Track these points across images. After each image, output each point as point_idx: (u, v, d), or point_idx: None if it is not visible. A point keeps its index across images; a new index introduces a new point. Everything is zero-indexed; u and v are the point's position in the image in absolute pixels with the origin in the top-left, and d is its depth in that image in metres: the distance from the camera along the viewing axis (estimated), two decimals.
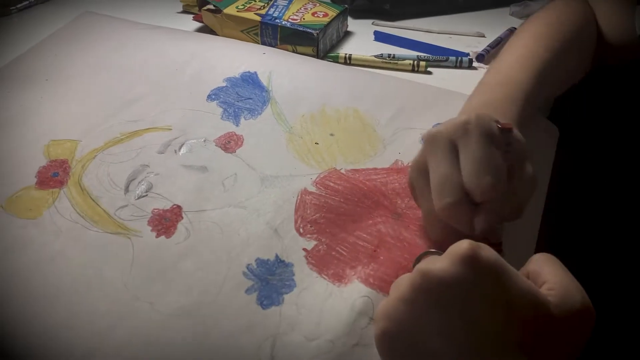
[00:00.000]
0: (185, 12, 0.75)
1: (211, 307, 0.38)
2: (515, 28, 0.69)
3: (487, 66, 0.64)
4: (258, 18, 0.64)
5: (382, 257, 0.41)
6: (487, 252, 0.30)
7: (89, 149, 0.50)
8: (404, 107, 0.55)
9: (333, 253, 0.42)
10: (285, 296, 0.39)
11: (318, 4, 0.68)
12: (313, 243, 0.42)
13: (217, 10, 0.66)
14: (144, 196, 0.46)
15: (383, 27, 0.73)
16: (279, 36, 0.64)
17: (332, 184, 0.47)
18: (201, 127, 0.53)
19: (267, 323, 0.37)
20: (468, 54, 0.66)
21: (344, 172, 0.48)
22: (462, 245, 0.30)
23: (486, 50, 0.66)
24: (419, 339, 0.31)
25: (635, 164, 0.67)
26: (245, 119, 0.54)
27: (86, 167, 0.49)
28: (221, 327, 0.37)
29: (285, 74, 0.60)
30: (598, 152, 0.72)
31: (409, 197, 0.44)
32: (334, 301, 0.38)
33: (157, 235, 0.43)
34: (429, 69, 0.63)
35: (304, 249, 0.42)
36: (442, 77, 0.62)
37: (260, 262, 0.41)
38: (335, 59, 0.65)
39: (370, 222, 0.44)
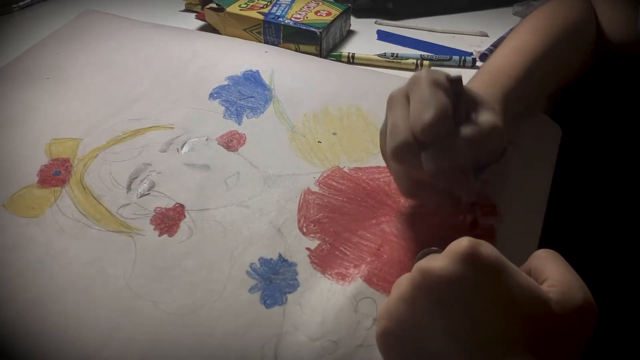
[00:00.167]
0: (187, 10, 0.74)
1: (214, 306, 0.38)
2: None
3: None
4: (261, 17, 0.64)
5: (385, 256, 0.41)
6: (487, 249, 0.30)
7: (91, 148, 0.50)
8: None
9: (336, 252, 0.41)
10: (289, 296, 0.38)
11: (321, 3, 0.68)
12: (316, 242, 0.42)
13: (219, 9, 0.66)
14: (146, 195, 0.46)
15: (386, 26, 0.73)
16: (281, 35, 0.64)
17: (335, 184, 0.47)
18: (203, 126, 0.53)
19: (270, 322, 0.37)
20: (471, 54, 0.65)
21: (347, 171, 0.48)
22: (462, 243, 0.30)
23: (489, 50, 0.65)
24: (419, 338, 0.30)
25: (636, 162, 0.67)
26: (247, 118, 0.54)
27: (88, 165, 0.48)
28: (224, 326, 0.37)
29: (288, 72, 0.60)
30: (598, 150, 0.72)
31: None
32: (338, 301, 0.38)
33: (160, 234, 0.43)
34: (432, 68, 0.63)
35: (308, 249, 0.42)
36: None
37: (264, 262, 0.41)
38: (338, 58, 0.65)
39: (374, 221, 0.44)
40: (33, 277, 0.39)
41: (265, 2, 0.67)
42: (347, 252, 0.41)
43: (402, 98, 0.37)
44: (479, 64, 0.64)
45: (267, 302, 0.38)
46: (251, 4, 0.67)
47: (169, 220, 0.44)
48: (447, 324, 0.29)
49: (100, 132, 0.52)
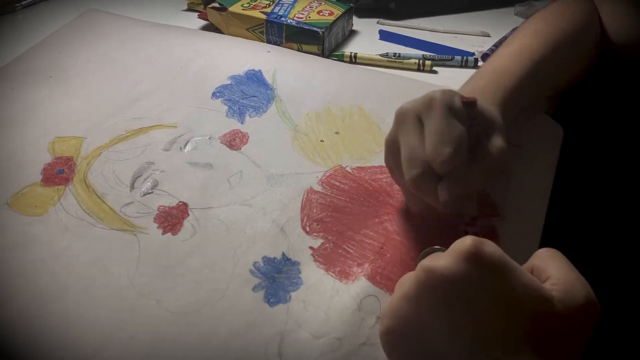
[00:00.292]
0: (190, 9, 0.75)
1: (218, 304, 0.38)
2: None
3: None
4: (263, 16, 0.64)
5: (388, 255, 0.41)
6: (491, 248, 0.30)
7: (94, 146, 0.50)
8: None
9: (340, 251, 0.41)
10: (292, 294, 0.38)
11: (323, 3, 0.68)
12: (319, 241, 0.42)
13: (222, 8, 0.66)
14: (149, 193, 0.46)
15: (388, 26, 0.73)
16: (284, 34, 0.64)
17: (337, 183, 0.47)
18: (206, 125, 0.53)
19: (274, 320, 0.37)
20: (473, 54, 0.66)
21: (350, 170, 0.48)
22: (466, 242, 0.30)
23: (491, 50, 0.66)
24: (423, 336, 0.31)
25: (637, 163, 0.67)
26: (250, 117, 0.54)
27: (91, 164, 0.48)
28: (228, 324, 0.37)
29: (290, 72, 0.60)
30: (600, 151, 0.72)
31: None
32: (341, 299, 0.38)
33: (164, 232, 0.43)
34: (434, 68, 0.63)
35: (311, 247, 0.42)
36: (447, 76, 0.62)
37: (267, 260, 0.41)
38: (341, 58, 0.65)
39: (377, 220, 0.44)
40: (36, 275, 0.39)
41: (268, 2, 0.67)
42: (351, 251, 0.41)
43: (414, 120, 0.37)
44: (480, 64, 0.65)
45: (271, 300, 0.38)
46: (254, 3, 0.67)
47: (172, 219, 0.44)
48: (451, 322, 0.29)
49: (103, 131, 0.52)
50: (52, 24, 0.68)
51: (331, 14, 0.65)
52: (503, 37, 0.68)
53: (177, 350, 0.35)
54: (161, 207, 0.45)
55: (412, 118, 0.37)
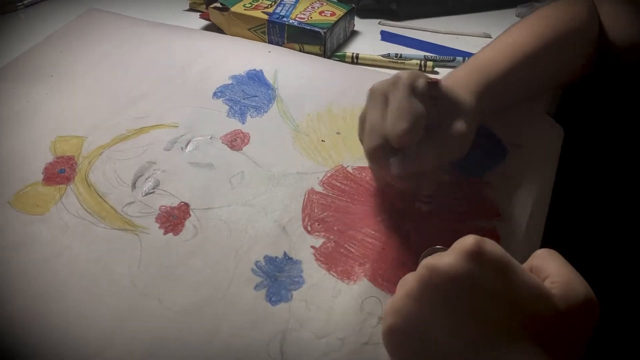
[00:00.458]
0: (192, 9, 0.75)
1: (220, 303, 0.38)
2: None
3: None
4: (265, 16, 0.64)
5: (390, 255, 0.41)
6: (492, 246, 0.30)
7: (96, 146, 0.50)
8: None
9: (341, 250, 0.41)
10: (294, 292, 0.38)
11: (325, 3, 0.68)
12: (321, 241, 0.42)
13: (224, 8, 0.66)
14: (151, 193, 0.46)
15: (390, 27, 0.73)
16: (286, 35, 0.64)
17: (338, 184, 0.47)
18: (207, 125, 0.53)
19: (276, 319, 0.37)
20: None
21: (351, 171, 0.48)
22: (468, 241, 0.30)
23: None
24: (427, 334, 0.31)
25: (636, 163, 0.67)
26: (251, 117, 0.54)
27: (93, 163, 0.48)
28: (230, 323, 0.37)
29: (292, 72, 0.60)
30: (600, 152, 0.72)
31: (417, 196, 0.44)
32: (343, 299, 0.38)
33: (165, 232, 0.43)
34: (436, 68, 0.63)
35: (312, 247, 0.42)
36: (446, 75, 0.62)
37: (269, 260, 0.41)
38: (342, 58, 0.65)
39: (378, 219, 0.44)
40: (37, 274, 0.39)
41: (270, 2, 0.67)
42: (352, 250, 0.41)
43: (382, 97, 0.40)
44: None
45: (273, 299, 0.38)
46: (255, 3, 0.67)
47: (174, 219, 0.44)
48: (454, 319, 0.30)
49: (105, 130, 0.52)
50: (54, 24, 0.68)
51: (333, 14, 0.65)
52: None
53: (179, 350, 0.35)
54: (163, 207, 0.45)
55: (378, 95, 0.40)
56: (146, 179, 0.47)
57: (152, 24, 0.68)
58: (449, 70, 0.63)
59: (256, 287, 0.39)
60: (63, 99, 0.56)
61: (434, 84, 0.40)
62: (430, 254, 0.35)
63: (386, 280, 0.39)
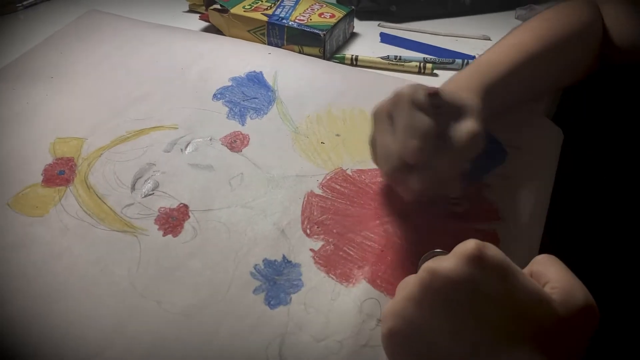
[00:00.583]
0: (191, 11, 0.75)
1: (219, 306, 0.38)
2: None
3: None
4: (265, 18, 0.64)
5: (389, 258, 0.41)
6: (493, 251, 0.30)
7: (95, 147, 0.50)
8: None
9: (340, 253, 0.42)
10: (293, 296, 0.39)
11: (325, 5, 0.68)
12: (320, 244, 0.42)
13: (224, 10, 0.66)
14: (150, 194, 0.46)
15: (389, 28, 0.73)
16: (285, 36, 0.64)
17: (338, 187, 0.47)
18: (207, 126, 0.53)
19: (274, 322, 0.37)
20: (474, 57, 0.66)
21: (350, 173, 0.48)
22: (469, 245, 0.30)
23: None
24: (427, 337, 0.31)
25: (636, 165, 0.67)
26: (251, 119, 0.54)
27: (92, 165, 0.48)
28: (229, 326, 0.37)
29: (291, 74, 0.60)
30: (600, 154, 0.72)
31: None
32: (342, 302, 0.38)
33: (164, 234, 0.43)
34: (435, 71, 0.63)
35: (311, 250, 0.42)
36: (448, 79, 0.62)
37: (268, 263, 0.41)
38: (342, 60, 0.65)
39: (377, 222, 0.44)
40: (37, 276, 0.39)
41: (269, 4, 0.67)
42: (351, 253, 0.41)
43: (386, 118, 0.40)
44: None
45: (272, 302, 0.38)
46: (255, 5, 0.67)
47: (173, 221, 0.44)
48: (454, 323, 0.30)
49: (104, 132, 0.52)
50: (54, 25, 0.68)
51: (332, 16, 0.66)
52: None
53: (178, 352, 0.35)
54: (162, 209, 0.45)
55: (383, 116, 0.40)
56: (145, 180, 0.47)
57: (152, 25, 0.68)
58: (448, 72, 0.64)
59: (255, 290, 0.39)
60: (63, 100, 0.56)
61: (434, 94, 0.39)
62: (430, 258, 0.35)
63: (385, 282, 0.39)
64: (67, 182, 0.47)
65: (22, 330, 0.36)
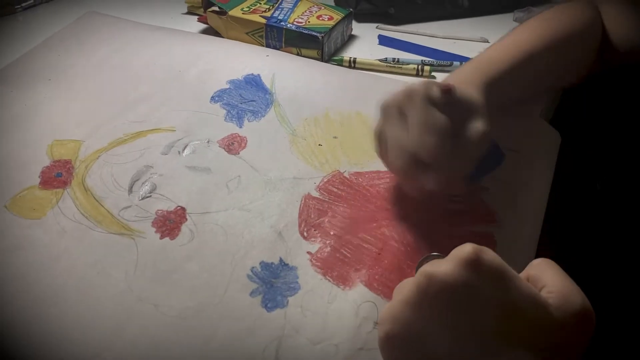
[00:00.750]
0: (190, 13, 0.75)
1: (216, 309, 0.38)
2: None
3: None
4: (263, 20, 0.64)
5: (386, 261, 0.41)
6: (490, 255, 0.30)
7: (93, 150, 0.50)
8: None
9: (337, 255, 0.42)
10: (290, 299, 0.39)
11: (323, 8, 0.68)
12: (317, 246, 0.42)
13: (222, 12, 0.66)
14: (147, 197, 0.46)
15: (387, 31, 0.73)
16: (283, 39, 0.64)
17: (335, 190, 0.47)
18: (205, 129, 0.53)
19: (271, 325, 0.37)
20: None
21: (347, 176, 0.48)
22: (466, 249, 0.30)
23: None
24: (423, 341, 0.31)
25: (636, 168, 0.67)
26: (248, 121, 0.54)
27: (90, 167, 0.48)
28: (226, 329, 0.37)
29: (289, 76, 0.60)
30: (597, 157, 0.72)
31: (414, 201, 0.44)
32: (339, 305, 0.38)
33: (162, 237, 0.43)
34: (433, 73, 0.64)
35: (308, 252, 0.42)
36: (447, 75, 0.62)
37: (265, 266, 0.41)
38: (340, 63, 0.65)
39: (375, 224, 0.44)
40: (34, 278, 0.39)
41: (268, 6, 0.67)
42: (348, 255, 0.42)
43: (397, 113, 0.39)
44: None
45: (268, 305, 0.38)
46: (253, 7, 0.67)
47: (170, 223, 0.44)
48: (451, 327, 0.30)
49: (102, 134, 0.52)
50: (52, 26, 0.68)
51: (330, 18, 0.66)
52: None
53: (175, 355, 0.35)
54: (159, 212, 0.45)
55: (394, 111, 0.39)
56: (143, 183, 0.47)
57: (150, 27, 0.68)
58: (446, 74, 0.64)
59: (252, 293, 0.39)
60: (60, 102, 0.56)
61: (449, 91, 0.39)
62: (427, 261, 0.36)
63: (382, 285, 0.39)
64: (65, 184, 0.47)
65: (20, 333, 0.36)
